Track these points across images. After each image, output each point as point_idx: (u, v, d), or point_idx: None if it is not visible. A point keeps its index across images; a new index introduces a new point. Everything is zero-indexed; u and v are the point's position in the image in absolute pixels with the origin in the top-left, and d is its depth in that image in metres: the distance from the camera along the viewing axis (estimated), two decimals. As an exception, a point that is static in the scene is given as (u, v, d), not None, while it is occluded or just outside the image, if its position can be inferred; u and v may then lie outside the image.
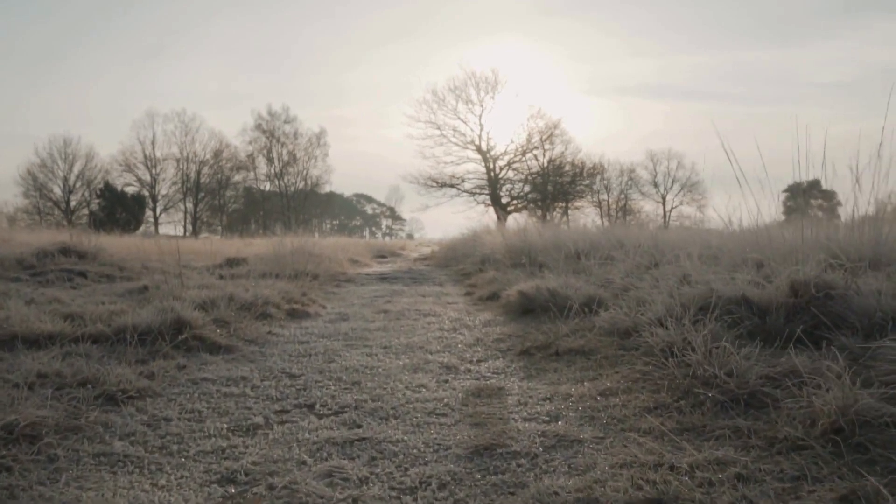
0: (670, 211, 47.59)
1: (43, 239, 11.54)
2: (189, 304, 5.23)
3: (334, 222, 66.57)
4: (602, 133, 75.62)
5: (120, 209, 41.27)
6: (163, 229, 47.43)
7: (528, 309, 6.11)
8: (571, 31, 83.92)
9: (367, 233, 69.02)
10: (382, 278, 12.22)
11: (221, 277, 9.12)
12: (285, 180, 51.51)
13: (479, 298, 7.81)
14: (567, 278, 6.79)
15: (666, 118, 75.85)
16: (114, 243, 17.10)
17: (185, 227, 49.09)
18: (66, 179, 43.34)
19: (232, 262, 11.62)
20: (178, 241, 22.15)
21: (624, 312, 4.50)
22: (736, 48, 74.79)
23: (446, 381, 3.48)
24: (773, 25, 74.77)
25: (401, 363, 3.95)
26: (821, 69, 71.72)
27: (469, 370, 3.76)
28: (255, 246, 18.78)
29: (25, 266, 8.58)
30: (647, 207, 46.17)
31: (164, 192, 48.15)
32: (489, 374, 3.65)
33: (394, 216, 73.73)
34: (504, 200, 37.40)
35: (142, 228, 45.51)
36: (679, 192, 48.42)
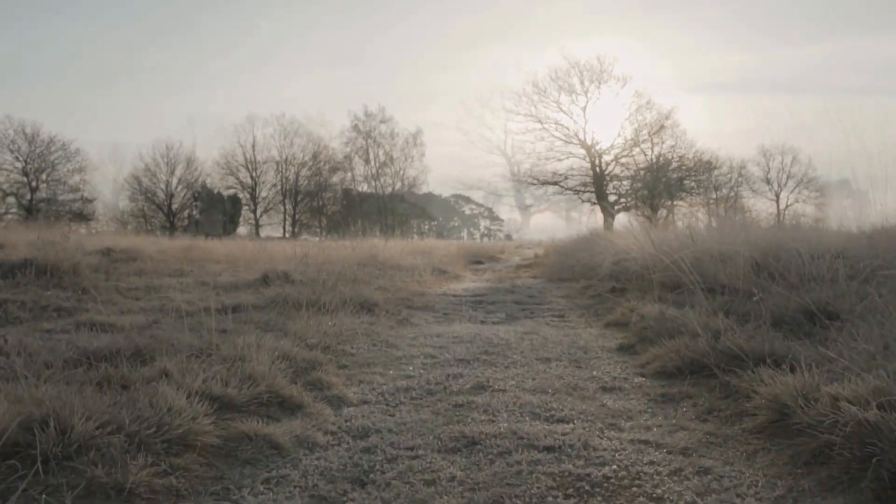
0: (784, 209, 41.50)
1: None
2: None
3: (432, 223, 64.30)
4: (701, 129, 67.68)
5: (216, 211, 40.71)
6: (265, 231, 46.99)
7: (866, 467, 2.14)
8: (668, 26, 76.38)
9: (465, 234, 66.04)
10: (475, 302, 8.50)
11: (225, 310, 5.85)
12: (382, 181, 49.63)
13: (662, 373, 3.90)
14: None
15: (766, 113, 66.36)
16: (169, 246, 14.75)
17: (284, 228, 48.41)
18: (167, 183, 43.60)
19: (268, 280, 8.41)
20: (247, 243, 19.75)
21: None
22: (835, 38, 63.63)
23: None
24: (880, 12, 62.74)
25: None
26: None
27: None
28: (344, 249, 15.74)
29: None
30: (758, 206, 40.26)
31: (263, 194, 47.75)
32: None
33: (492, 217, 70.23)
34: (611, 198, 32.72)
35: (244, 230, 45.18)
36: (794, 188, 41.78)
